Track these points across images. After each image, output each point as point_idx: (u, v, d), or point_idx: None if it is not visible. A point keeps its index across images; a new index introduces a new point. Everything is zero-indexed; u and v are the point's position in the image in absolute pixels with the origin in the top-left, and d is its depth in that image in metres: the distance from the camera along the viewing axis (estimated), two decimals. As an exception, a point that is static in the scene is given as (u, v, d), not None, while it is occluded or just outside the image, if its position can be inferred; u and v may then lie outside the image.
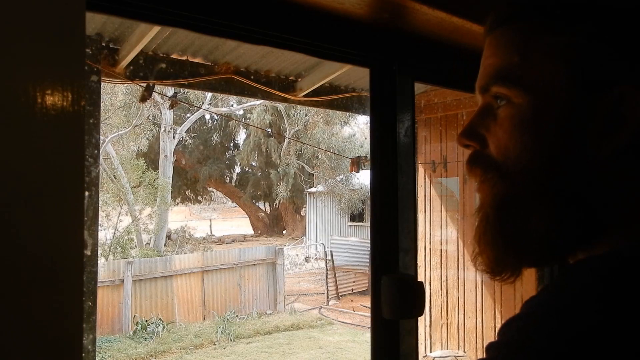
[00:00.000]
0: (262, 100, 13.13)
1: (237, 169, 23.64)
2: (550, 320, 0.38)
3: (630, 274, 0.39)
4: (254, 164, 22.00)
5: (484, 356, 0.41)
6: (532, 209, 0.48)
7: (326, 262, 11.78)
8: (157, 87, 3.54)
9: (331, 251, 12.08)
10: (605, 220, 0.46)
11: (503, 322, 0.42)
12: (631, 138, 0.45)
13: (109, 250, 11.99)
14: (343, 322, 9.86)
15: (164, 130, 15.17)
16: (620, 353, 0.35)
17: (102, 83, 3.17)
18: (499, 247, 0.50)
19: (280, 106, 16.30)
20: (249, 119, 18.20)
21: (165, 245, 15.30)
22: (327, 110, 13.49)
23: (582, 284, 0.40)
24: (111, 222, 12.87)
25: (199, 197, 24.70)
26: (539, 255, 0.50)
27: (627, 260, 0.41)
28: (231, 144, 22.82)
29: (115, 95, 12.69)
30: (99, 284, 5.03)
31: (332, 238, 14.45)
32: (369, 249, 5.23)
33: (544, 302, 0.42)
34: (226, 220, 29.25)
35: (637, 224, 0.45)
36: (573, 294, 0.40)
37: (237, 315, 9.90)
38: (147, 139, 15.06)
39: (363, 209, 18.06)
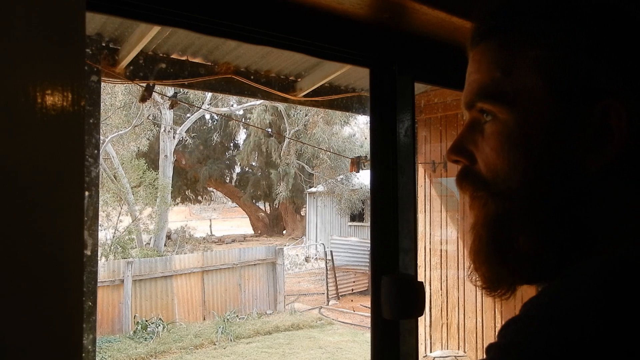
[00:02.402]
0: (262, 100, 13.14)
1: (237, 169, 23.64)
2: (549, 323, 0.38)
3: (630, 278, 0.39)
4: (254, 164, 21.99)
5: (484, 357, 0.41)
6: (521, 229, 0.48)
7: (326, 262, 11.78)
8: (157, 87, 3.54)
9: (331, 251, 12.07)
10: (597, 235, 0.45)
11: (503, 323, 0.42)
12: (620, 151, 0.44)
13: (109, 250, 11.99)
14: (343, 322, 9.86)
15: (164, 130, 15.17)
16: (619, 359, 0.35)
17: (102, 83, 3.17)
18: (493, 266, 0.50)
19: (280, 106, 16.29)
20: (249, 119, 18.20)
21: (165, 245, 15.31)
22: (327, 110, 13.50)
23: (582, 287, 0.40)
24: (111, 222, 12.87)
25: (199, 197, 24.69)
26: (531, 274, 0.49)
27: (627, 264, 0.40)
28: (231, 144, 22.82)
29: (115, 95, 12.69)
30: (99, 284, 5.03)
31: (332, 238, 14.44)
32: (369, 249, 5.23)
33: (543, 304, 0.41)
34: (226, 220, 29.24)
35: (630, 236, 0.44)
36: (572, 297, 0.40)
37: (237, 315, 9.90)
38: (147, 139, 15.06)
39: (363, 209, 18.05)
